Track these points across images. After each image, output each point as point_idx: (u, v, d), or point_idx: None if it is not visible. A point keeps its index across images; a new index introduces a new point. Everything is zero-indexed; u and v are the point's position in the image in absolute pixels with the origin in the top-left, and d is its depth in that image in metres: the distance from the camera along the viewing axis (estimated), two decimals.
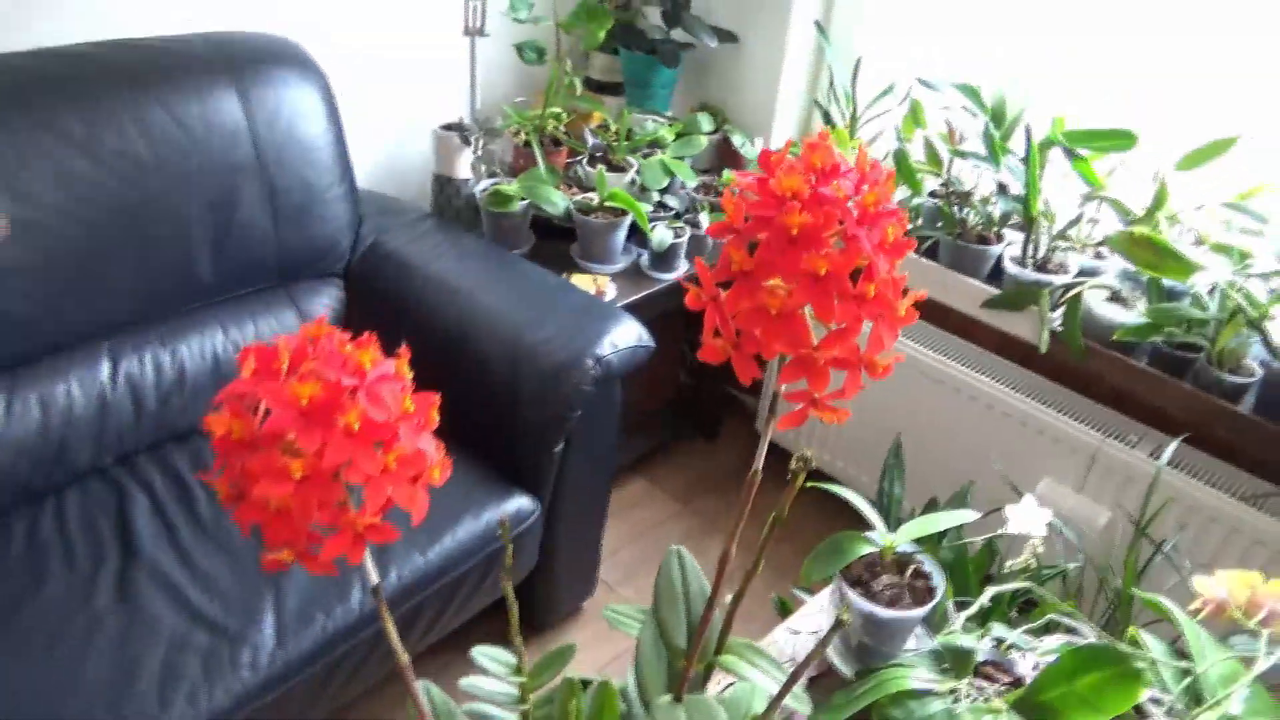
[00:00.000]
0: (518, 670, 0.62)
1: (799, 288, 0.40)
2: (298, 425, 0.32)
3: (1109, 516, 1.45)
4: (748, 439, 2.23)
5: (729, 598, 0.53)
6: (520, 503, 1.40)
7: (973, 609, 0.84)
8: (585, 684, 0.63)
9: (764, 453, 0.47)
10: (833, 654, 1.09)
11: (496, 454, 1.44)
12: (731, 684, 0.59)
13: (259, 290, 1.57)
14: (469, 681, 0.61)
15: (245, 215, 1.47)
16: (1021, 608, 1.09)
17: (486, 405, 1.43)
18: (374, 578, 0.41)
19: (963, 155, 1.54)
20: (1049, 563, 1.20)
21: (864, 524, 1.03)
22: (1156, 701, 0.84)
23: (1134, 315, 1.41)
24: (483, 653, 0.61)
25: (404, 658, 0.44)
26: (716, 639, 0.53)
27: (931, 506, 1.28)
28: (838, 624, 0.41)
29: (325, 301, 1.64)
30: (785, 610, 1.30)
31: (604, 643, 1.71)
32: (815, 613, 1.13)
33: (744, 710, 0.53)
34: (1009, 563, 1.08)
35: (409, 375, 0.37)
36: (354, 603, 1.20)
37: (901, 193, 1.64)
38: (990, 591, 0.85)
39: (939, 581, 1.00)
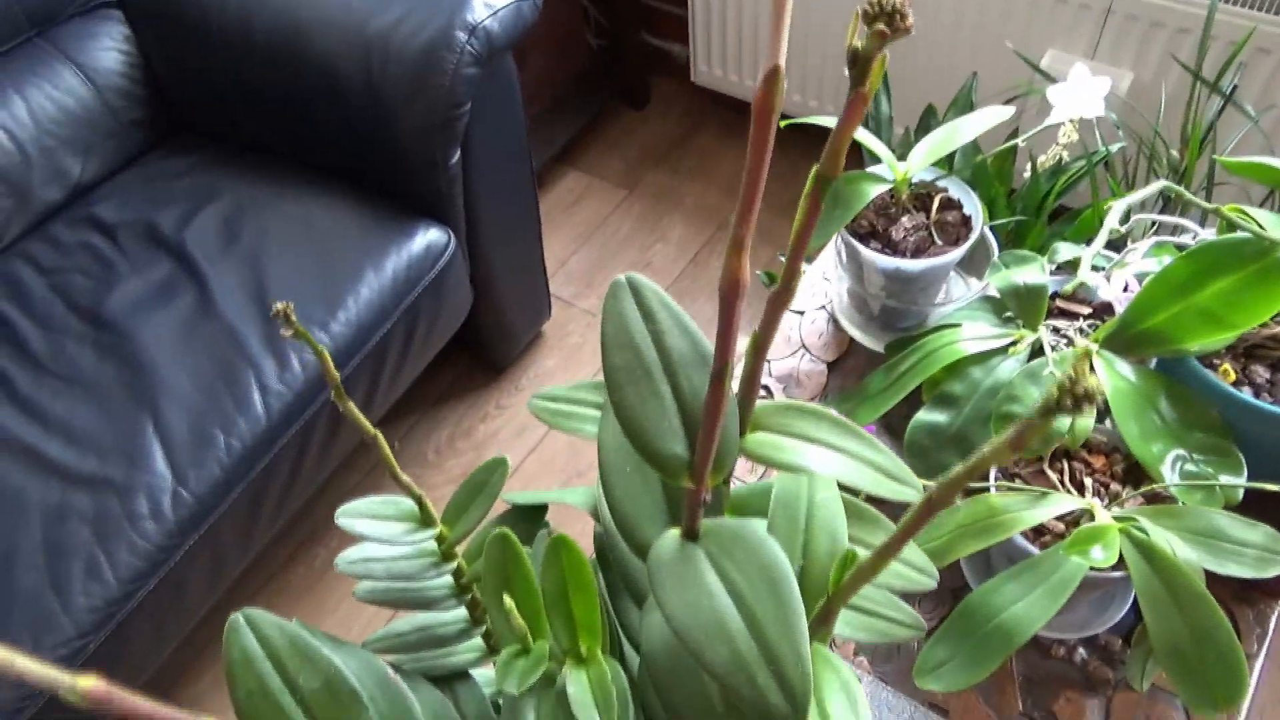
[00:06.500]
0: (423, 518, 0.38)
1: None
2: None
3: (1132, 78, 1.19)
4: (685, 97, 1.91)
5: (745, 347, 0.28)
6: (429, 237, 1.12)
7: (1104, 234, 0.60)
8: (538, 514, 0.40)
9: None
10: (851, 328, 0.88)
11: (384, 185, 1.14)
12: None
13: (9, 51, 1.18)
14: (348, 559, 0.38)
15: None
16: (1050, 217, 0.86)
17: (348, 124, 1.10)
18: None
19: None
20: (1076, 156, 0.96)
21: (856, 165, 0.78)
22: None
23: None
24: (354, 511, 0.37)
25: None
26: (735, 416, 0.29)
27: (929, 117, 1.01)
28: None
29: (109, 45, 1.25)
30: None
31: (577, 365, 1.52)
32: (819, 283, 0.91)
33: (801, 520, 0.31)
34: (1040, 159, 0.84)
35: None
36: (257, 406, 0.97)
37: None
38: (1122, 204, 0.61)
39: (973, 208, 0.77)
